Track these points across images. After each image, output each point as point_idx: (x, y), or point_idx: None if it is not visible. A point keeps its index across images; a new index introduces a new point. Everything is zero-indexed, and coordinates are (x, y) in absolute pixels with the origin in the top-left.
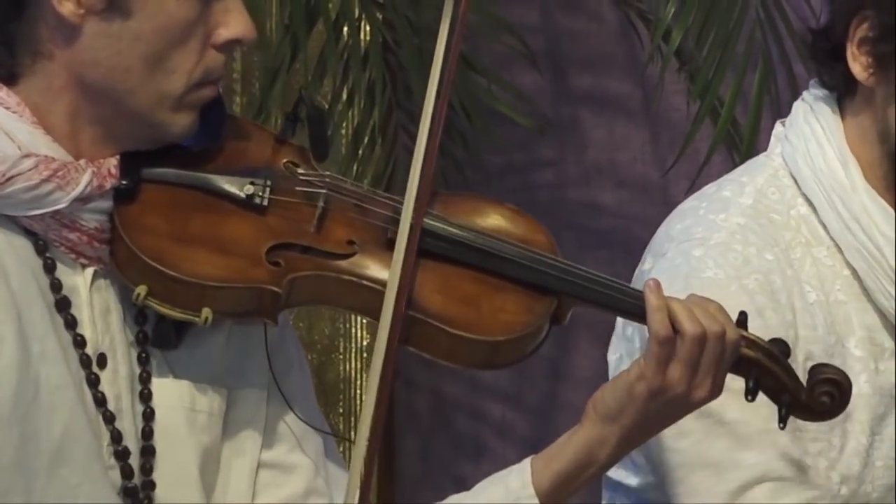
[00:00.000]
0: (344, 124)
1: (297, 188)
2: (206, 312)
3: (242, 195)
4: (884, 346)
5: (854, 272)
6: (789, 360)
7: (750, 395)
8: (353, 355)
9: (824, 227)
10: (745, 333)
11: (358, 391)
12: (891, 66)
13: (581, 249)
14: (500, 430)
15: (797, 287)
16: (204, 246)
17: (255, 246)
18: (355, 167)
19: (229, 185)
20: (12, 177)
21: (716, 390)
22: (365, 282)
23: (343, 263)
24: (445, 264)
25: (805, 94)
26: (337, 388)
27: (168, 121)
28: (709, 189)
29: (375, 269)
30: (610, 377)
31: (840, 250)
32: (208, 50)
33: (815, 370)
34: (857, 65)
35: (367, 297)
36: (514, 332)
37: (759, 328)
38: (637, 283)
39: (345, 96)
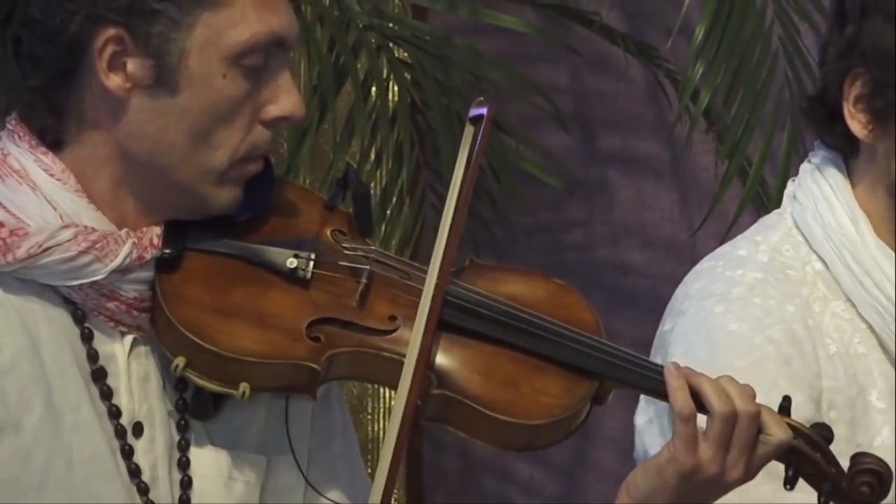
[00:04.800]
0: (372, 184)
1: (342, 263)
2: (244, 387)
3: (286, 268)
4: None
5: (871, 325)
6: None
7: (789, 483)
8: (381, 415)
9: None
10: (787, 420)
11: None
12: (889, 120)
13: (609, 309)
14: (528, 489)
15: (819, 338)
16: (244, 319)
17: (296, 320)
18: (383, 227)
19: (273, 257)
20: (49, 248)
21: (751, 471)
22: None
23: (384, 340)
24: (486, 344)
25: (811, 154)
26: (365, 448)
27: (211, 195)
28: (723, 249)
29: None
30: (637, 441)
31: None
32: (255, 126)
33: (857, 459)
34: (856, 123)
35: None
36: (553, 417)
37: (790, 378)
38: (658, 345)
39: (373, 156)
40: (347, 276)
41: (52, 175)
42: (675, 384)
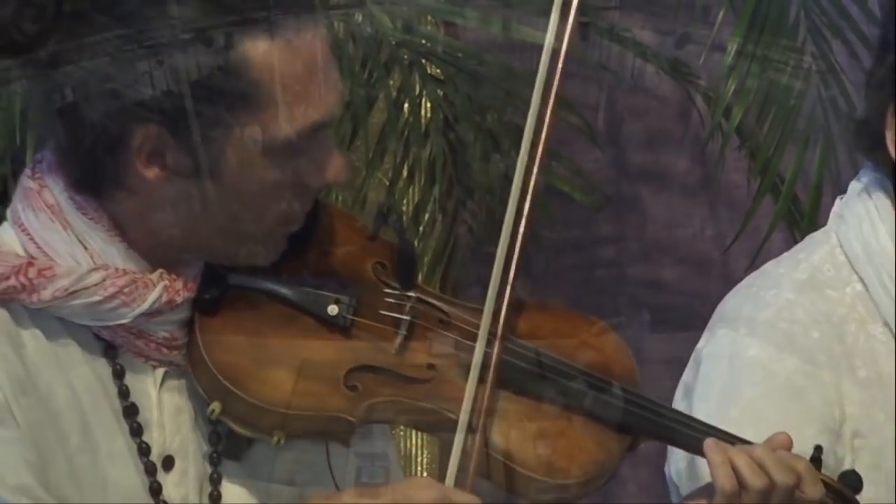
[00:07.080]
0: (404, 201)
1: (382, 312)
2: (279, 435)
3: (327, 315)
4: None
5: None
6: (838, 438)
7: None
8: (413, 431)
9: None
10: (819, 475)
11: (419, 468)
12: None
13: (641, 327)
14: None
15: (846, 362)
16: (283, 367)
17: (334, 369)
18: (416, 244)
19: (314, 302)
20: (76, 291)
21: None
22: (443, 410)
23: (421, 389)
24: (522, 397)
25: (860, 174)
26: (397, 464)
27: (251, 255)
28: (767, 266)
29: (454, 397)
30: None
31: None
32: (298, 193)
33: None
34: None
35: (443, 423)
36: (588, 475)
37: (801, 411)
38: (693, 361)
39: (405, 173)
40: (387, 325)
41: (84, 213)
42: (717, 460)
